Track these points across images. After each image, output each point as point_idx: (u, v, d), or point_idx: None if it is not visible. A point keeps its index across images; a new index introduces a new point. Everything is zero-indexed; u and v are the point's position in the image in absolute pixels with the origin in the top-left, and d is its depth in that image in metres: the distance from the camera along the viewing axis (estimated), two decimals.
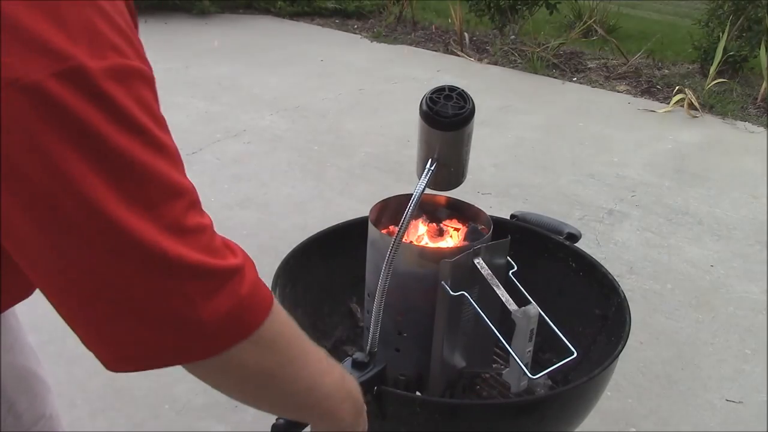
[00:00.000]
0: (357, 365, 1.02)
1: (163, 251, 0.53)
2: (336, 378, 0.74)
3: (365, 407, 0.82)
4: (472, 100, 1.08)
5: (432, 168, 1.11)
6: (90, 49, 0.50)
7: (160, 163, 0.55)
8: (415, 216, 1.44)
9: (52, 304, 0.56)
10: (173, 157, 0.57)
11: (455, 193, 1.45)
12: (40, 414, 0.93)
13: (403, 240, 1.37)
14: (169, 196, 0.55)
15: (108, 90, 0.51)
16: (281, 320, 0.64)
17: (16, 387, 0.88)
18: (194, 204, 0.58)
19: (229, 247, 0.60)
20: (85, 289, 0.54)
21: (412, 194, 1.45)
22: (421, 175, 1.13)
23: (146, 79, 0.56)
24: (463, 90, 1.10)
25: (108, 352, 0.57)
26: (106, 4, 0.54)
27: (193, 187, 0.59)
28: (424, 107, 1.07)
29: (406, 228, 1.09)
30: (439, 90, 1.10)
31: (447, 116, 1.06)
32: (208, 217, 0.60)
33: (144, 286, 0.54)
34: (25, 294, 0.76)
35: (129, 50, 0.54)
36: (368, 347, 1.08)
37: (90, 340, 0.57)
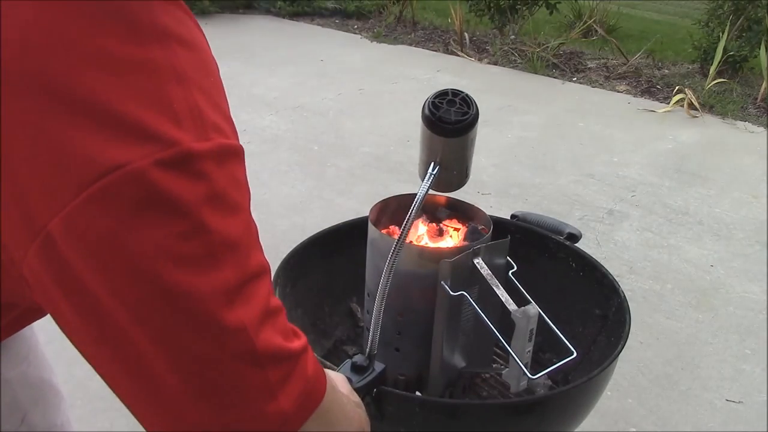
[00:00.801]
0: (356, 369, 1.01)
1: (251, 339, 0.52)
2: (357, 419, 0.76)
3: (367, 418, 0.83)
4: (475, 104, 1.06)
5: (435, 172, 1.08)
6: (195, 132, 0.51)
7: (251, 241, 0.55)
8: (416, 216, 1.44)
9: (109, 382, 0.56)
10: (256, 234, 0.57)
11: (455, 193, 1.45)
12: (53, 423, 0.93)
13: (403, 240, 1.37)
14: (259, 277, 0.55)
15: (211, 172, 0.51)
16: (329, 388, 0.64)
17: (30, 398, 0.88)
18: (271, 284, 0.58)
19: (293, 328, 0.60)
20: (170, 384, 0.53)
21: (413, 194, 1.45)
22: (423, 177, 1.13)
23: (240, 156, 0.58)
24: (466, 94, 1.07)
25: None
26: (207, 82, 0.54)
27: (269, 267, 0.59)
28: (427, 112, 1.05)
29: (408, 232, 1.07)
30: (443, 94, 1.07)
31: (450, 122, 1.03)
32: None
33: (233, 376, 0.53)
34: (41, 314, 0.75)
35: (228, 128, 0.56)
36: (368, 350, 1.06)
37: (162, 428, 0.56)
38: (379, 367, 1.05)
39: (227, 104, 0.59)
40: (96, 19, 0.49)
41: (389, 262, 1.08)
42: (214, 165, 0.52)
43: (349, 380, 0.95)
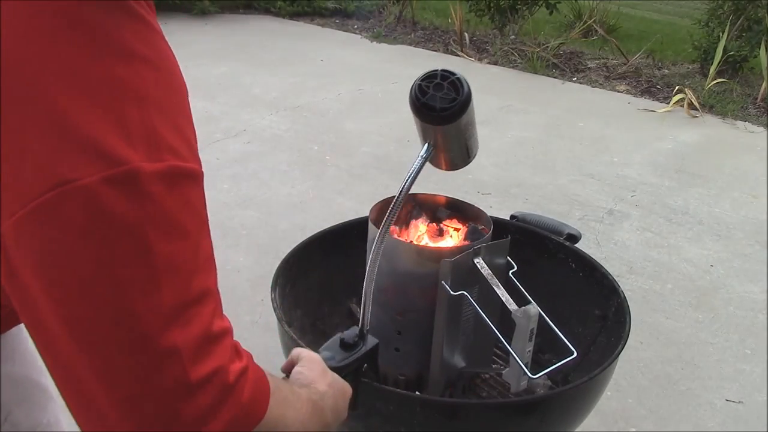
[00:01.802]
0: (345, 346, 0.99)
1: (184, 364, 0.53)
2: (312, 415, 0.77)
3: (338, 403, 0.85)
4: (466, 87, 0.95)
5: (427, 153, 1.01)
6: (147, 153, 0.51)
7: (198, 266, 0.55)
8: (416, 216, 1.44)
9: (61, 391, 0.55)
10: (206, 258, 0.57)
11: (455, 193, 1.45)
12: (38, 422, 0.93)
13: (403, 240, 1.37)
14: (201, 302, 0.55)
15: (158, 194, 0.51)
16: (275, 403, 0.64)
17: (14, 396, 0.88)
18: (218, 308, 0.58)
19: (237, 351, 0.60)
20: (99, 398, 0.53)
21: (414, 195, 1.45)
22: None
23: (197, 179, 0.57)
24: (457, 77, 0.96)
25: None
26: (169, 104, 0.55)
27: (218, 291, 0.59)
28: (413, 96, 0.97)
29: (401, 204, 1.00)
30: (431, 76, 0.98)
31: (435, 109, 0.94)
32: (227, 319, 0.60)
33: (162, 398, 0.53)
34: None
35: (186, 151, 0.56)
36: (359, 328, 1.03)
37: None
38: (371, 342, 1.02)
39: (192, 128, 0.59)
40: (65, 33, 0.50)
41: (380, 232, 1.01)
42: (164, 187, 0.52)
43: (332, 359, 0.95)
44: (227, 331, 0.58)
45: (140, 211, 0.50)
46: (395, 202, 0.99)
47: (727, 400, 2.20)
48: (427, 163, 1.02)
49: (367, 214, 1.40)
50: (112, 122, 0.50)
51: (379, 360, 1.05)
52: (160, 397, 0.53)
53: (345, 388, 0.89)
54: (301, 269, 1.49)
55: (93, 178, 0.48)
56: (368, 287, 1.04)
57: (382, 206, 1.43)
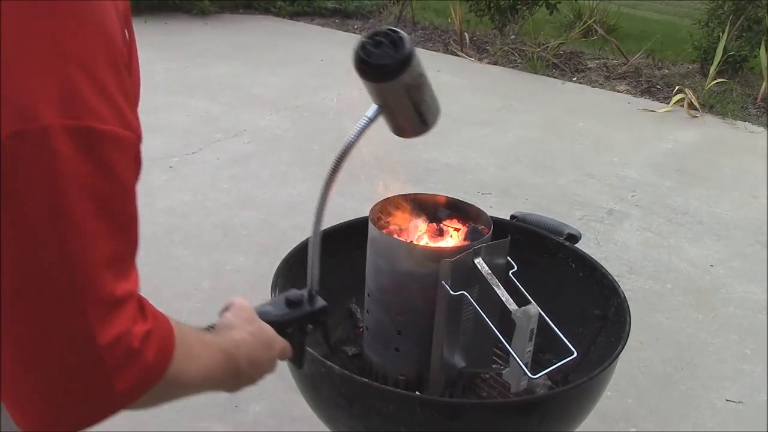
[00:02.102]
0: (290, 303, 1.00)
1: (91, 327, 0.55)
2: (222, 363, 0.79)
3: (258, 353, 0.88)
4: (407, 46, 0.93)
5: (374, 114, 1.00)
6: (62, 110, 0.51)
7: (109, 229, 0.56)
8: (416, 216, 1.44)
9: None
10: (126, 226, 0.58)
11: (455, 193, 1.45)
12: None
13: (403, 240, 1.37)
14: (109, 265, 0.56)
15: (65, 151, 0.51)
16: (178, 357, 0.67)
17: None
18: (123, 269, 0.59)
19: (143, 312, 0.62)
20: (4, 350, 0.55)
21: (414, 194, 1.45)
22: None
23: (120, 143, 0.56)
24: (400, 36, 0.94)
25: (20, 413, 0.59)
26: (97, 64, 0.55)
27: (133, 254, 0.61)
28: (354, 53, 0.95)
29: (345, 157, 1.03)
30: (375, 35, 0.96)
31: (370, 65, 0.93)
32: (134, 277, 0.61)
33: (69, 358, 0.56)
34: None
35: (108, 113, 0.55)
36: (308, 287, 1.04)
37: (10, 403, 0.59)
38: (319, 304, 1.03)
39: (126, 91, 0.58)
40: None
41: (325, 185, 1.07)
42: (76, 147, 0.52)
43: (268, 313, 0.97)
44: (131, 294, 0.60)
45: (49, 170, 0.51)
46: (339, 156, 1.04)
47: (727, 400, 2.20)
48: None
49: (367, 214, 1.40)
50: (33, 76, 0.51)
51: (326, 325, 1.04)
52: (65, 356, 0.56)
53: (271, 341, 0.90)
54: (301, 269, 1.49)
55: (5, 132, 0.49)
56: (314, 244, 1.07)
57: (382, 206, 1.43)
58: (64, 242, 0.53)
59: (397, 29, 0.95)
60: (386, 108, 1.00)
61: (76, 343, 0.56)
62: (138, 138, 0.59)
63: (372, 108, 1.00)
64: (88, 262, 0.54)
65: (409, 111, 1.00)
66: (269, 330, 0.92)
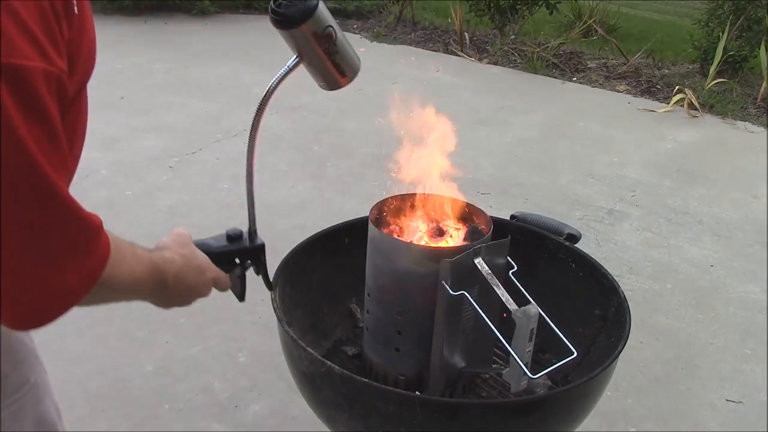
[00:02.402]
0: (230, 238, 1.13)
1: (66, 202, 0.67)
2: (151, 274, 0.90)
3: (187, 273, 0.99)
4: (310, 2, 1.00)
5: (293, 63, 1.09)
6: None
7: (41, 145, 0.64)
8: (415, 215, 1.44)
9: None
10: (48, 154, 0.66)
11: (455, 193, 1.45)
12: (25, 380, 0.96)
13: (403, 240, 1.37)
14: (56, 174, 0.66)
15: None
16: (114, 261, 0.78)
17: (4, 350, 0.91)
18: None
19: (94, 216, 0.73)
20: None
21: (414, 194, 1.45)
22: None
23: (46, 75, 0.64)
24: None
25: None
26: (20, 6, 0.62)
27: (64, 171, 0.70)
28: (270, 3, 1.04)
29: (267, 102, 1.12)
30: None
31: (278, 14, 1.01)
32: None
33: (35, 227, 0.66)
34: None
35: (29, 50, 0.62)
36: (248, 226, 1.14)
37: None
38: (257, 242, 1.14)
39: (47, 26, 0.66)
40: None
41: (253, 125, 1.14)
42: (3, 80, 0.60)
43: (206, 244, 1.10)
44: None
45: None
46: (262, 101, 1.11)
47: (727, 400, 2.20)
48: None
49: (367, 214, 1.40)
50: None
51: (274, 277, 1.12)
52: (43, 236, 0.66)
53: (203, 266, 1.02)
54: (301, 269, 1.49)
55: None
56: (249, 187, 1.14)
57: (382, 206, 1.43)
58: (18, 152, 0.62)
59: None
60: (304, 58, 1.09)
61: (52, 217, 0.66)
62: (61, 71, 0.66)
63: (292, 58, 1.09)
64: (44, 166, 0.64)
65: (324, 61, 1.09)
66: (202, 257, 1.03)
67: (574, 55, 6.06)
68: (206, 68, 5.30)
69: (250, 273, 1.20)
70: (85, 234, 0.71)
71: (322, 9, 1.03)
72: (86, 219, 0.71)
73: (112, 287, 0.80)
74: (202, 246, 1.08)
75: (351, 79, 1.15)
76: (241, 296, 1.18)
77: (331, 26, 1.04)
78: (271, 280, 1.23)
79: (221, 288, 1.10)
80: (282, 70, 1.10)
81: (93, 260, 0.73)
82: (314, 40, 1.05)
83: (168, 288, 0.94)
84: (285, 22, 1.01)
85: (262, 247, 1.14)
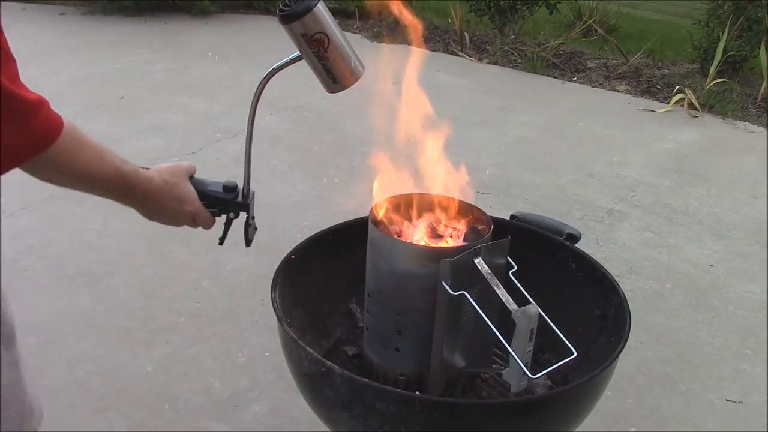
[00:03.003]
0: (225, 188, 1.26)
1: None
2: (114, 178, 1.03)
3: (161, 195, 1.13)
4: (304, 4, 1.09)
5: (292, 57, 1.20)
6: None
7: None
8: (415, 216, 1.44)
9: None
10: None
11: (455, 193, 1.45)
12: None
13: (403, 240, 1.37)
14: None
15: None
16: (66, 133, 0.90)
17: None
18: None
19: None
20: None
21: (414, 194, 1.45)
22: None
23: None
24: None
25: None
26: None
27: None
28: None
29: (264, 84, 1.27)
30: None
31: (279, 10, 1.12)
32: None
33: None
34: None
35: None
36: (244, 184, 1.27)
37: None
38: (248, 200, 1.27)
39: None
40: None
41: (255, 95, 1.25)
42: None
43: (204, 184, 1.24)
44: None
45: None
46: (260, 85, 1.28)
47: (727, 400, 2.20)
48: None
49: (367, 214, 1.40)
50: None
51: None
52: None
53: (184, 198, 1.16)
54: (301, 269, 1.49)
55: None
56: (248, 148, 1.27)
57: (382, 206, 1.43)
58: None
59: None
60: (303, 56, 1.18)
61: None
62: None
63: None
64: None
65: (316, 63, 1.18)
66: (188, 189, 1.18)
67: (574, 55, 6.06)
68: (206, 68, 5.30)
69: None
70: (20, 107, 0.82)
71: (318, 15, 1.11)
72: (22, 98, 0.82)
73: (60, 168, 0.93)
74: (197, 183, 1.23)
75: (345, 87, 1.23)
76: (221, 241, 1.31)
77: (322, 33, 1.12)
78: (249, 240, 1.34)
79: (201, 224, 1.23)
80: (285, 59, 1.22)
81: (34, 128, 0.84)
82: (304, 42, 1.13)
83: (136, 199, 1.09)
84: (280, 18, 1.12)
85: (247, 206, 1.27)
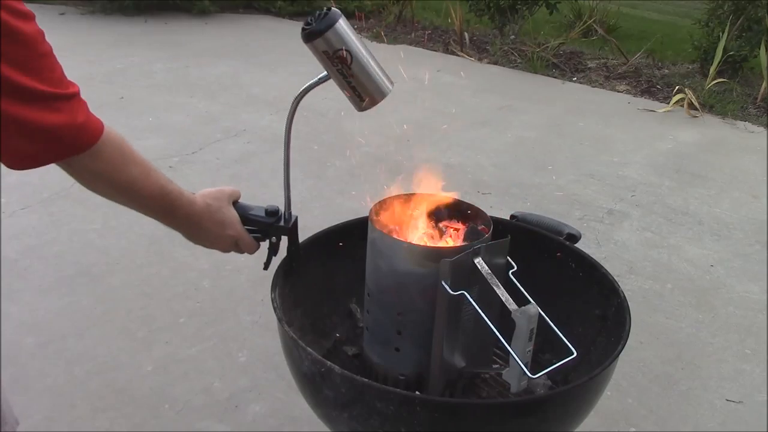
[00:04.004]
0: (267, 213, 1.30)
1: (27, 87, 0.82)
2: (156, 196, 1.05)
3: (202, 219, 1.14)
4: (324, 22, 1.14)
5: (321, 77, 1.20)
6: None
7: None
8: (415, 216, 1.44)
9: None
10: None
11: (455, 193, 1.45)
12: None
13: (403, 240, 1.37)
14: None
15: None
16: (113, 145, 0.94)
17: None
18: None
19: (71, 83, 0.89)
20: None
21: (413, 195, 1.45)
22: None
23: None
24: (326, 13, 1.16)
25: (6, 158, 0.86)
26: None
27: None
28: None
29: (301, 98, 1.24)
30: (322, 9, 1.19)
31: (302, 29, 1.16)
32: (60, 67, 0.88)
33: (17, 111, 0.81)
34: None
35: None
36: (284, 207, 1.32)
37: None
38: (289, 224, 1.31)
39: None
40: None
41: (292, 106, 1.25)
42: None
43: (248, 209, 1.28)
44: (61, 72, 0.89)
45: None
46: (291, 109, 1.26)
47: (727, 400, 2.20)
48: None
49: (367, 214, 1.40)
50: None
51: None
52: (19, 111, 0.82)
53: (226, 222, 1.18)
54: (301, 269, 1.49)
55: None
56: (286, 174, 1.32)
57: (382, 206, 1.43)
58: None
59: (335, 9, 1.18)
60: (329, 75, 1.19)
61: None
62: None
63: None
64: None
65: (341, 81, 1.18)
66: (231, 215, 1.20)
67: (574, 55, 6.06)
68: (206, 68, 5.30)
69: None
70: (54, 95, 0.85)
71: (340, 31, 1.14)
72: (58, 86, 0.86)
73: (105, 179, 0.96)
74: (241, 208, 1.25)
75: (373, 104, 1.21)
76: (265, 266, 1.33)
77: (345, 49, 1.14)
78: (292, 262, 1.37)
79: (244, 249, 1.24)
80: (313, 80, 1.22)
81: (68, 116, 0.86)
82: (327, 60, 1.15)
83: (178, 221, 1.10)
84: (304, 36, 1.15)
85: (294, 227, 1.30)
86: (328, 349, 1.55)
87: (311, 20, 1.14)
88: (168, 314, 2.41)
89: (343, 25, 1.14)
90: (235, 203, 1.25)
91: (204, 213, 1.14)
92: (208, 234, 1.17)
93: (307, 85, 1.23)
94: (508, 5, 6.19)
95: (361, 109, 1.22)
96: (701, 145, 4.41)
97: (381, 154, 3.77)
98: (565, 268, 1.55)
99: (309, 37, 1.13)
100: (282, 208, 1.32)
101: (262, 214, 1.29)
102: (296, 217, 1.33)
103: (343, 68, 1.15)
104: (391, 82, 1.21)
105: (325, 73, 1.19)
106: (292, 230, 1.31)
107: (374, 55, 1.20)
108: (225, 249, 1.22)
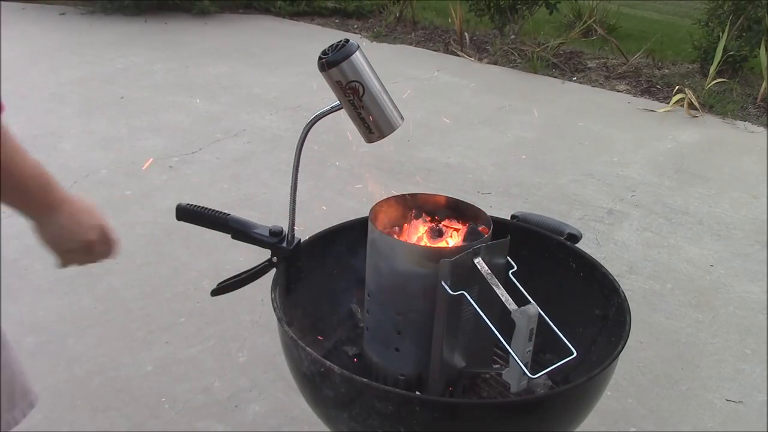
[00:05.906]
0: (272, 233, 1.34)
1: None
2: (36, 177, 0.99)
3: (74, 212, 1.07)
4: (341, 53, 1.15)
5: (333, 106, 1.24)
6: None
7: None
8: (415, 216, 1.44)
9: None
10: None
11: (455, 193, 1.45)
12: None
13: (403, 240, 1.37)
14: None
15: None
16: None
17: None
18: None
19: None
20: None
21: (413, 194, 1.45)
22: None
23: None
24: (344, 43, 1.17)
25: None
26: None
27: None
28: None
29: (327, 113, 1.27)
30: (341, 41, 1.20)
31: (319, 58, 1.18)
32: None
33: None
34: None
35: None
36: (288, 229, 1.35)
37: None
38: (292, 246, 1.34)
39: None
40: None
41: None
42: None
43: (249, 225, 1.33)
44: None
45: None
46: (302, 134, 1.30)
47: (727, 400, 2.20)
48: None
49: (367, 214, 1.40)
50: None
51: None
52: None
53: (93, 207, 1.11)
54: (302, 269, 1.49)
55: None
56: (292, 197, 1.34)
57: (382, 206, 1.43)
58: None
59: (352, 41, 1.18)
60: (342, 104, 1.22)
61: None
62: None
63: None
64: None
65: (351, 111, 1.22)
66: (92, 203, 1.11)
67: (574, 55, 6.06)
68: (206, 68, 5.30)
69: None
70: None
71: (356, 63, 1.16)
72: None
73: None
74: (244, 225, 1.33)
75: (380, 137, 1.26)
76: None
77: (358, 81, 1.17)
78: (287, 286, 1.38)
79: (109, 242, 1.17)
80: (326, 108, 1.26)
81: None
82: (340, 90, 1.19)
83: (51, 203, 1.03)
84: (320, 65, 1.18)
85: (298, 245, 1.32)
86: (328, 349, 1.55)
87: (328, 50, 1.16)
88: (168, 314, 2.41)
89: (359, 57, 1.16)
90: (232, 217, 1.28)
91: (74, 198, 1.06)
92: (80, 219, 1.08)
93: (319, 112, 1.26)
94: (508, 5, 6.19)
95: (369, 140, 1.26)
96: (701, 145, 4.41)
97: (381, 154, 3.77)
98: (566, 268, 1.55)
99: (324, 66, 1.16)
100: (286, 229, 1.35)
101: (266, 233, 1.32)
102: (299, 240, 1.34)
103: (354, 99, 1.19)
104: (401, 117, 1.24)
105: (338, 102, 1.22)
106: (293, 252, 1.33)
107: (387, 89, 1.22)
108: (87, 243, 1.13)
